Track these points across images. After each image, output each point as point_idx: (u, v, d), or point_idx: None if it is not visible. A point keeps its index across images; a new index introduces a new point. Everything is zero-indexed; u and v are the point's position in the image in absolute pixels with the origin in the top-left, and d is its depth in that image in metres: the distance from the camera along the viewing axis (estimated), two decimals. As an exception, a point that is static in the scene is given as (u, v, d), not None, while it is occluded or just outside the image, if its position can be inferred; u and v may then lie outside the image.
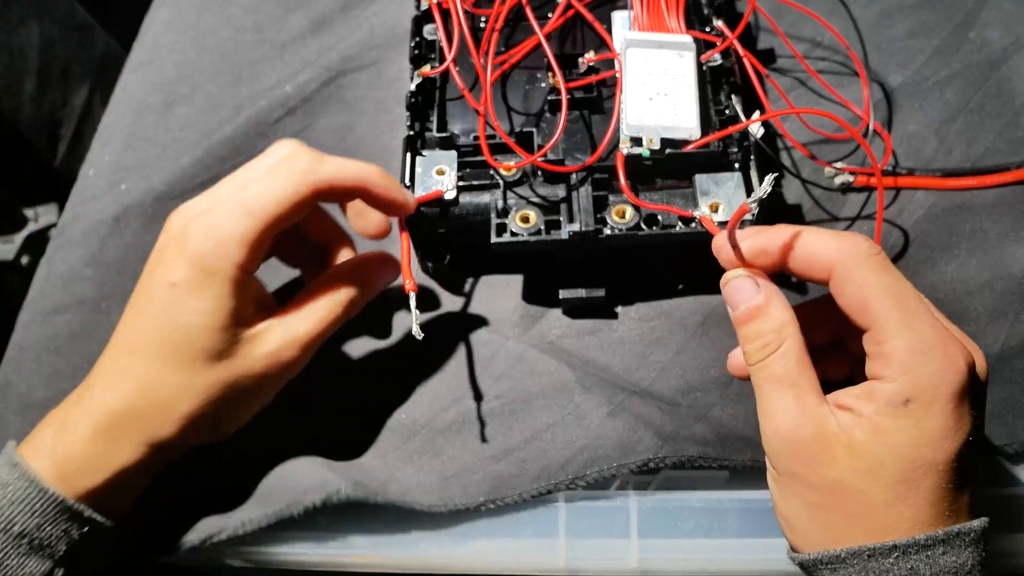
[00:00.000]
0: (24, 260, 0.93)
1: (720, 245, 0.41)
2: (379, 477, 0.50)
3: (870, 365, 0.38)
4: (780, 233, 0.40)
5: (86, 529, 0.43)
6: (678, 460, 0.49)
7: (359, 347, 0.55)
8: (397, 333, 0.56)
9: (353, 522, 0.50)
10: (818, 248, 0.39)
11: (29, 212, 0.96)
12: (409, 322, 0.51)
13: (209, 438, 0.47)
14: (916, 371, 0.36)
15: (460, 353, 0.54)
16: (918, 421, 0.36)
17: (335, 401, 0.53)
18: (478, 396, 0.53)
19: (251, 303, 0.45)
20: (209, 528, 0.48)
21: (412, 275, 0.47)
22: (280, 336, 0.45)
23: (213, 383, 0.44)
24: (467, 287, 0.57)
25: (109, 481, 0.44)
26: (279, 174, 0.44)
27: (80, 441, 0.43)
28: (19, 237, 0.94)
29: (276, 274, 0.56)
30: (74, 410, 0.44)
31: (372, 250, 0.51)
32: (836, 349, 0.45)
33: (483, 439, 0.51)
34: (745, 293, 0.40)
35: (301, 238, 0.51)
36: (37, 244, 0.93)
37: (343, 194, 0.45)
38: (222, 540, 0.48)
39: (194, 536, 0.48)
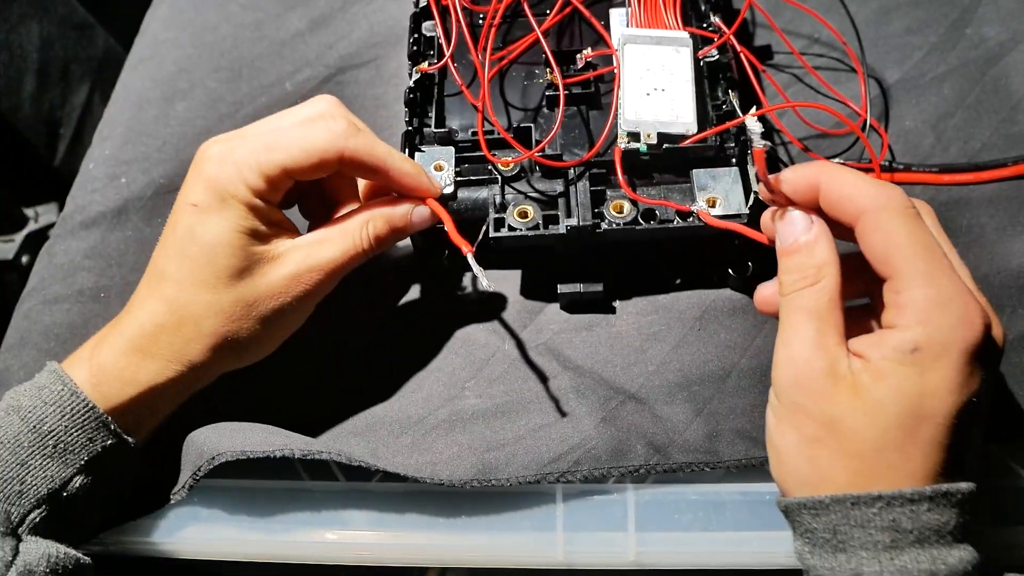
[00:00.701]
0: (24, 259, 0.93)
1: (763, 188, 0.42)
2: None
3: (886, 315, 0.38)
4: (817, 169, 0.40)
5: (109, 443, 0.45)
6: (668, 468, 0.49)
7: (355, 342, 0.56)
8: (394, 329, 0.56)
9: (351, 514, 0.51)
10: (852, 190, 0.38)
11: (29, 212, 0.97)
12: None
13: (236, 362, 0.48)
14: (930, 322, 0.36)
15: (456, 353, 0.55)
16: (924, 371, 0.36)
17: (328, 394, 0.54)
18: (472, 397, 0.53)
19: (272, 228, 0.47)
20: (210, 453, 0.48)
21: (463, 239, 0.47)
22: (302, 259, 0.47)
23: (235, 301, 0.46)
24: (465, 282, 0.58)
25: (138, 397, 0.46)
26: (313, 128, 0.46)
27: (113, 355, 0.46)
28: (19, 236, 0.94)
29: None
30: (111, 330, 0.47)
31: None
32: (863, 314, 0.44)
33: (474, 436, 0.51)
34: (798, 227, 0.40)
35: (317, 192, 0.52)
36: (37, 243, 0.94)
37: (367, 172, 0.48)
38: (224, 460, 0.47)
39: (196, 464, 0.48)
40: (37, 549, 0.42)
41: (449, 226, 0.48)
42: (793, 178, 0.41)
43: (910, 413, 0.36)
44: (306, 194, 0.52)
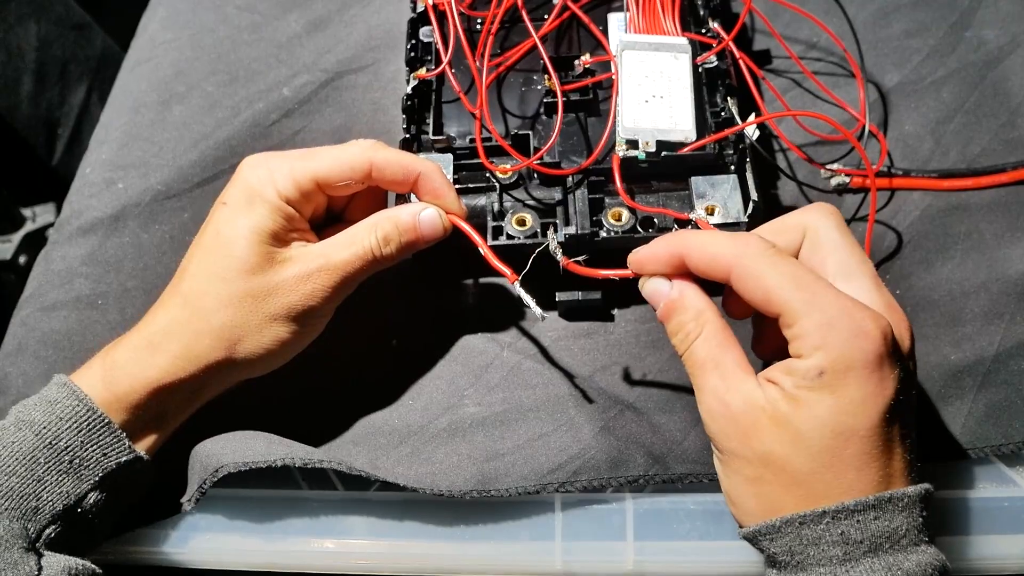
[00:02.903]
0: (22, 259, 0.93)
1: (629, 259, 0.45)
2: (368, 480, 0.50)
3: (790, 347, 0.39)
4: (676, 239, 0.42)
5: (123, 459, 0.45)
6: (667, 478, 0.49)
7: (355, 350, 0.55)
8: (394, 337, 0.56)
9: (351, 523, 0.51)
10: (713, 250, 0.40)
11: (27, 211, 0.97)
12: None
13: (245, 368, 0.48)
14: (826, 344, 0.37)
15: (455, 360, 0.55)
16: (834, 391, 0.37)
17: (328, 402, 0.54)
18: (472, 406, 0.53)
19: (293, 232, 0.49)
20: (214, 465, 0.48)
21: (508, 267, 0.47)
22: (313, 259, 0.47)
23: (245, 293, 0.46)
24: (463, 290, 0.57)
25: (148, 396, 0.46)
26: (345, 146, 0.49)
27: (126, 351, 0.47)
28: (17, 236, 0.94)
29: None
30: (132, 330, 0.48)
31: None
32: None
33: (474, 445, 0.51)
34: (661, 291, 0.43)
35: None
36: (35, 243, 0.94)
37: (398, 180, 0.48)
38: (224, 474, 0.47)
39: (201, 477, 0.48)
40: (58, 563, 0.42)
41: (486, 250, 0.48)
42: (654, 253, 0.43)
43: (833, 434, 0.37)
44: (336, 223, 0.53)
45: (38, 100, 0.91)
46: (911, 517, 0.37)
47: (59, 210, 0.66)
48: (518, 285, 0.47)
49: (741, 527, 0.41)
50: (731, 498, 0.41)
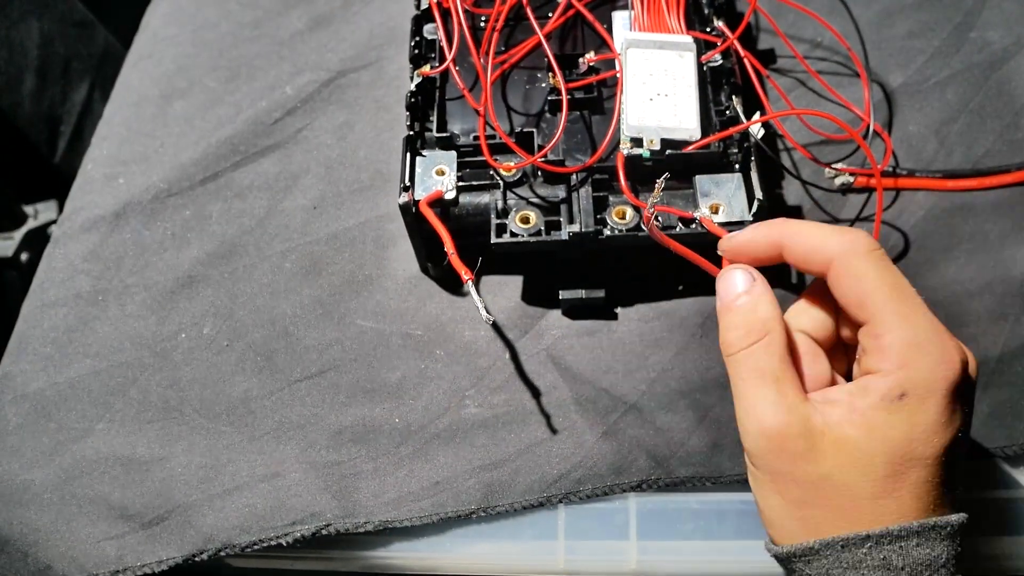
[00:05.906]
0: (23, 257, 0.93)
1: (723, 244, 0.42)
2: (371, 486, 0.50)
3: (865, 360, 0.37)
4: (777, 227, 0.40)
5: None
6: (670, 481, 0.49)
7: (355, 348, 0.55)
8: (395, 336, 0.56)
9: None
10: (817, 241, 0.38)
11: (28, 209, 0.96)
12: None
13: None
14: (912, 364, 0.36)
15: (457, 360, 0.54)
16: (911, 415, 0.36)
17: (328, 401, 0.53)
18: (473, 406, 0.53)
19: None
20: (192, 545, 0.49)
21: (464, 266, 0.47)
22: None
23: None
24: (466, 288, 0.57)
25: None
26: None
27: None
28: (18, 234, 0.94)
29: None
30: None
31: None
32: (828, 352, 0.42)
33: (476, 448, 0.51)
34: (738, 284, 0.40)
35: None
36: (36, 241, 0.93)
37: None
38: (203, 559, 0.49)
39: (175, 552, 0.49)
40: None
41: (450, 248, 0.48)
42: (752, 237, 0.41)
43: (900, 459, 0.36)
44: None
45: (40, 97, 0.91)
46: (951, 546, 0.36)
47: (61, 207, 0.65)
48: (471, 285, 0.46)
49: (773, 543, 0.39)
50: (770, 520, 0.39)
